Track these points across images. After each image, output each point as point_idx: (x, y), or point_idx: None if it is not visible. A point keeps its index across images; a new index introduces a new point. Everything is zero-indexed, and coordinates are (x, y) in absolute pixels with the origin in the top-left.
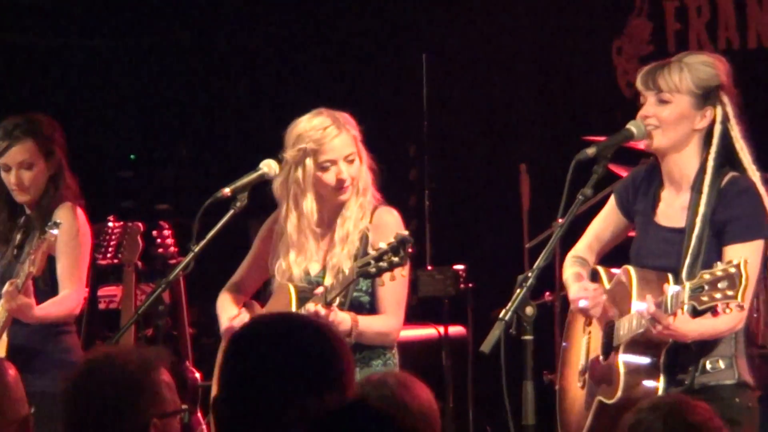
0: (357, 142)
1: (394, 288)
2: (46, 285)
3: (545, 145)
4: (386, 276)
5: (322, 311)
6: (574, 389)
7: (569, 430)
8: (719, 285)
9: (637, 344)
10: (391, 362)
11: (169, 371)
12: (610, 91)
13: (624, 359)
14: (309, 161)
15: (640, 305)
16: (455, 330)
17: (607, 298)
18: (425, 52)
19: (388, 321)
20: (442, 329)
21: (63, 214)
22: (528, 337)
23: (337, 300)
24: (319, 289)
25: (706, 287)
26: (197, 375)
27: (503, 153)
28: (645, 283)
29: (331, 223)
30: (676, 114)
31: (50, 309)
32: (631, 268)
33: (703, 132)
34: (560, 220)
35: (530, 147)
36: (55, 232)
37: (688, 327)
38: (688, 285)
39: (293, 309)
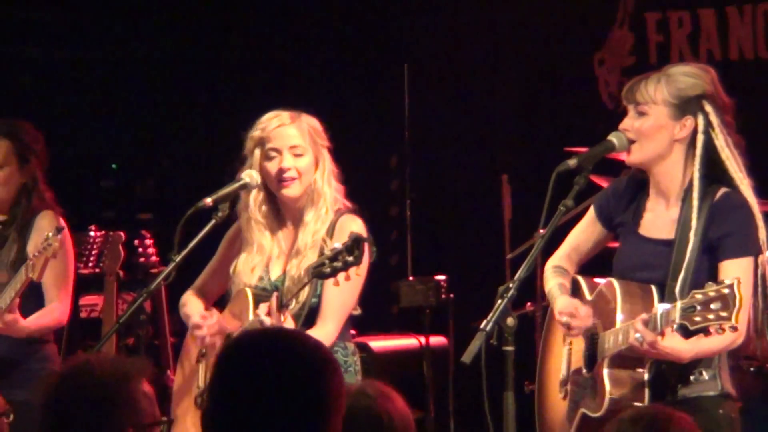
0: (312, 140)
1: (341, 292)
2: (28, 295)
3: (527, 156)
4: (341, 276)
5: (274, 312)
6: (555, 400)
7: None
8: (712, 306)
9: (622, 358)
10: (352, 369)
11: (149, 382)
12: (592, 103)
13: (609, 372)
14: (257, 151)
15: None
16: (436, 340)
17: (589, 308)
18: (407, 62)
19: (324, 330)
20: (423, 339)
21: (47, 222)
22: (509, 348)
23: (293, 303)
24: (275, 294)
25: (699, 307)
26: None
27: (485, 163)
28: (629, 296)
29: (295, 228)
30: (651, 125)
31: (40, 321)
32: (614, 281)
33: (685, 142)
34: (542, 231)
35: (512, 158)
36: (59, 236)
37: (682, 347)
38: (679, 304)
39: (250, 314)
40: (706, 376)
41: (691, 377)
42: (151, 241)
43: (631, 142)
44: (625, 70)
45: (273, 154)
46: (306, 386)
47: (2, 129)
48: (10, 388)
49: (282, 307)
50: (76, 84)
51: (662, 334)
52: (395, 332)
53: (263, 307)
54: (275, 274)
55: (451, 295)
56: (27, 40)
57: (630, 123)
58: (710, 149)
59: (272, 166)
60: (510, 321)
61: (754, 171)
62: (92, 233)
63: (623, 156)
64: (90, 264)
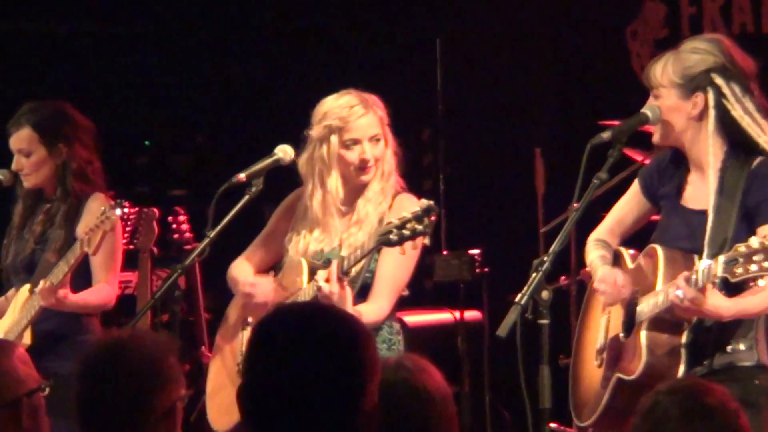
0: (383, 124)
1: (396, 268)
2: (77, 277)
3: (560, 130)
4: (408, 245)
5: (335, 282)
6: (590, 368)
7: (582, 409)
8: (755, 258)
9: (660, 322)
10: (395, 348)
11: (179, 358)
12: (624, 76)
13: (646, 336)
14: (334, 138)
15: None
16: (471, 315)
17: (630, 276)
18: (439, 37)
19: (378, 305)
20: (458, 314)
21: (98, 205)
22: (544, 321)
23: (353, 271)
24: (335, 260)
25: (741, 259)
26: None
27: (518, 137)
28: (672, 262)
29: (352, 204)
30: (665, 108)
31: (87, 298)
32: (658, 247)
33: (704, 117)
34: (575, 205)
35: (545, 131)
36: (118, 212)
37: (723, 304)
38: (721, 258)
39: (304, 284)
40: (742, 346)
41: (728, 347)
42: (185, 217)
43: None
44: (657, 43)
45: (352, 143)
46: (341, 358)
47: (26, 116)
48: (57, 360)
49: (343, 273)
50: (109, 60)
51: (703, 290)
52: (430, 307)
53: (322, 273)
54: (332, 245)
55: (486, 269)
56: (61, 16)
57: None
58: (728, 122)
59: (352, 156)
60: (545, 294)
61: None
62: (126, 210)
63: None
64: (124, 240)
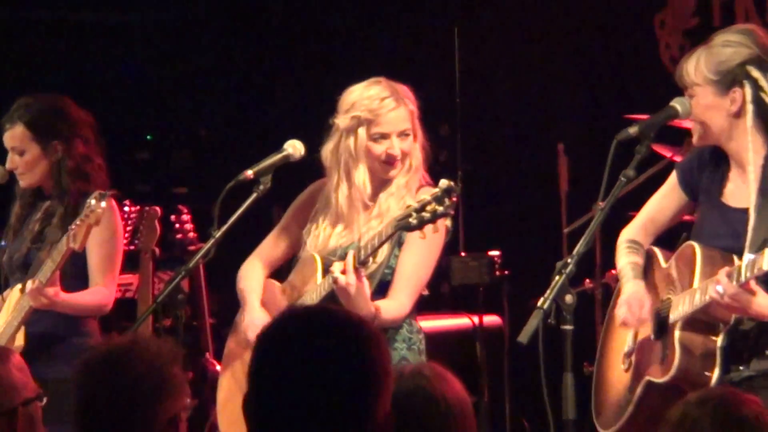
0: (413, 117)
1: (418, 263)
2: (73, 278)
3: (585, 124)
4: (428, 229)
5: (351, 273)
6: (617, 373)
7: (607, 415)
8: None
9: (695, 323)
10: (416, 347)
11: (182, 366)
12: (653, 67)
13: (681, 336)
14: (362, 131)
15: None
16: (490, 320)
17: (663, 276)
18: (457, 24)
19: (398, 301)
20: (476, 319)
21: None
22: (568, 327)
23: (370, 261)
24: (351, 251)
25: None
26: (218, 367)
27: (540, 132)
28: (710, 260)
29: (376, 198)
30: (701, 107)
31: (81, 298)
32: (695, 244)
33: (744, 113)
34: (601, 204)
35: (569, 126)
36: (103, 203)
37: (766, 302)
38: (767, 250)
39: (318, 280)
40: None
41: (767, 351)
42: (189, 216)
43: (693, 126)
44: (687, 33)
45: (379, 137)
46: (352, 365)
47: (19, 112)
48: (53, 363)
49: (360, 264)
50: (109, 50)
51: (745, 286)
52: (447, 312)
53: (338, 265)
54: (352, 239)
55: (506, 272)
56: (60, 6)
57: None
58: (767, 117)
59: (379, 149)
60: (568, 298)
61: None
62: (126, 208)
63: (687, 123)
64: (124, 241)
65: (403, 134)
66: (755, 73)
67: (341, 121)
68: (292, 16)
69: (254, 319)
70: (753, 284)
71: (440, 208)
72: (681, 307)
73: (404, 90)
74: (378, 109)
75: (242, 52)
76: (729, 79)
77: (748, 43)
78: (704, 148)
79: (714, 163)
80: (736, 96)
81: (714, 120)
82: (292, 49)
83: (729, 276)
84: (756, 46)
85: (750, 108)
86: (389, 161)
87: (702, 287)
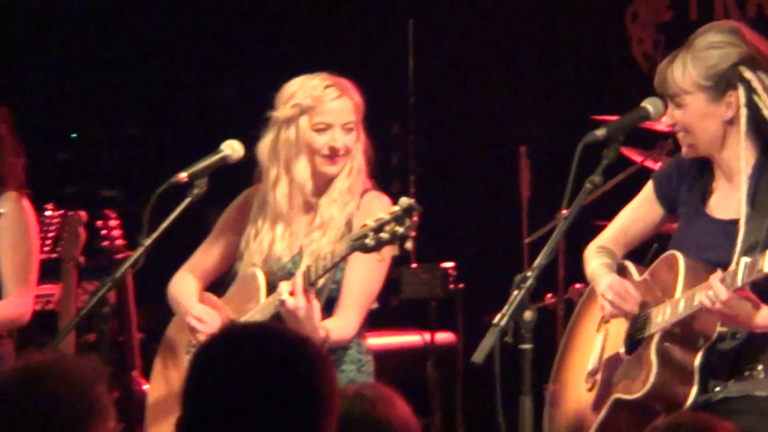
0: (358, 112)
1: (366, 278)
2: None
3: (549, 126)
4: (386, 251)
5: (301, 295)
6: (578, 393)
7: None
8: None
9: (675, 336)
10: (365, 370)
11: (108, 385)
12: (623, 64)
13: (658, 349)
14: (303, 120)
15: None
16: (443, 337)
17: (640, 289)
18: (412, 18)
19: (346, 319)
20: (428, 336)
21: (7, 205)
22: (526, 346)
23: (321, 282)
24: (302, 268)
25: None
26: (146, 386)
27: (500, 134)
28: (693, 271)
29: (317, 200)
30: (693, 116)
31: None
32: (679, 255)
33: (736, 118)
34: (565, 212)
35: (531, 127)
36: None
37: (760, 314)
38: None
39: (262, 299)
40: (762, 372)
41: (746, 371)
42: (117, 222)
43: (681, 136)
44: (661, 27)
45: (323, 127)
46: (295, 387)
47: None
48: None
49: (310, 285)
50: (29, 41)
51: (741, 292)
52: (396, 328)
53: (285, 286)
54: (292, 251)
55: (460, 285)
56: None
57: (672, 118)
58: (760, 121)
59: (321, 140)
60: (528, 315)
61: None
62: (48, 213)
63: (659, 125)
64: (46, 248)
65: (346, 127)
66: (748, 74)
67: (280, 111)
68: (234, 8)
69: (198, 312)
70: (748, 290)
71: (400, 229)
72: (661, 318)
73: (349, 84)
74: (321, 97)
75: (181, 46)
76: (723, 83)
77: (735, 41)
78: (684, 157)
79: (695, 172)
80: (732, 100)
81: (708, 128)
82: (234, 44)
83: (722, 281)
84: (744, 44)
85: (744, 112)
86: (332, 155)
87: (687, 295)
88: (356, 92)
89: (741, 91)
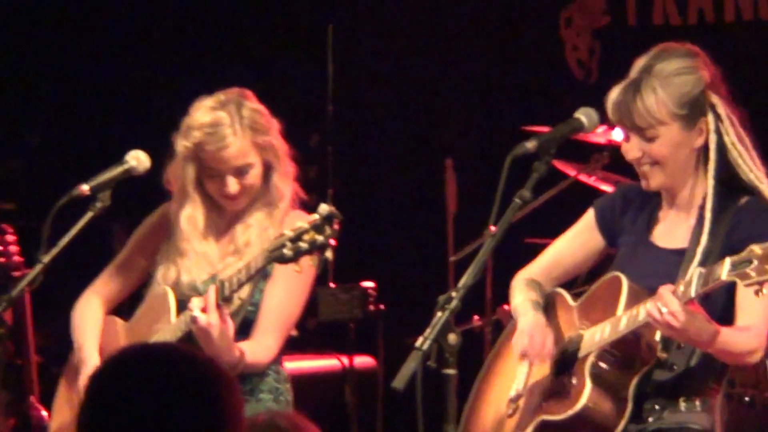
0: (259, 147)
1: (286, 299)
2: None
3: (476, 137)
4: (305, 261)
5: (213, 311)
6: (495, 420)
7: None
8: None
9: (611, 357)
10: (283, 399)
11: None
12: (556, 72)
13: (593, 368)
14: (192, 166)
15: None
16: (362, 361)
17: (570, 314)
18: (331, 22)
19: (264, 343)
20: (346, 360)
21: None
22: (451, 371)
23: (235, 298)
24: (214, 285)
25: (755, 262)
26: (44, 413)
27: (425, 145)
28: (635, 294)
29: (230, 227)
30: (668, 147)
31: None
32: (622, 276)
33: (701, 147)
34: (493, 229)
35: (458, 138)
36: None
37: (709, 327)
38: (728, 260)
39: (172, 319)
40: (698, 405)
41: (682, 403)
42: (14, 237)
43: (646, 170)
44: (597, 33)
45: (213, 173)
46: (193, 411)
47: None
48: None
49: (224, 300)
50: None
51: (690, 305)
52: (313, 351)
53: (197, 301)
54: (201, 278)
55: (381, 306)
56: None
57: (640, 151)
58: (722, 148)
59: (212, 187)
60: (452, 338)
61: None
62: None
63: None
64: None
65: (240, 171)
66: (714, 99)
67: (178, 145)
68: (146, 13)
69: (91, 370)
70: (698, 304)
71: (320, 238)
72: (598, 336)
73: (251, 114)
74: (206, 145)
75: (85, 52)
76: (697, 110)
77: (699, 65)
78: (629, 187)
79: (640, 202)
80: (703, 127)
81: (680, 158)
82: (145, 49)
83: (674, 293)
84: (705, 67)
85: (713, 138)
86: (229, 197)
87: (630, 312)
88: (259, 122)
89: (710, 117)
